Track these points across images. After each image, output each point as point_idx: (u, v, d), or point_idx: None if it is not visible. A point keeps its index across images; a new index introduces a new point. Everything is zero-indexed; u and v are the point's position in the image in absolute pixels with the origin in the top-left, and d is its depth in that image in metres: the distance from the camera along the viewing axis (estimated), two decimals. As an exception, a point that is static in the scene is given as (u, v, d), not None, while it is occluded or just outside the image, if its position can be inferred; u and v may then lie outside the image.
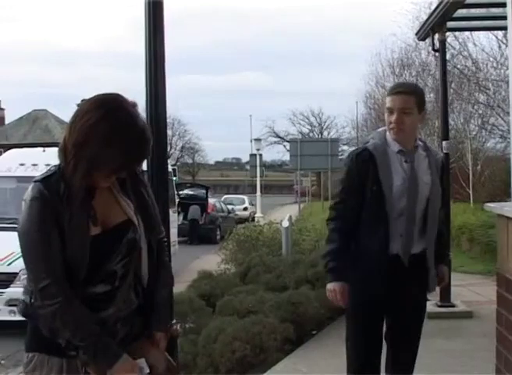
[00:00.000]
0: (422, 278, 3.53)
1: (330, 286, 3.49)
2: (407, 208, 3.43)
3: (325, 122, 64.69)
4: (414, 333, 3.63)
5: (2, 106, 54.56)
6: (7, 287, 8.18)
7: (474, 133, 20.51)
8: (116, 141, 2.07)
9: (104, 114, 2.09)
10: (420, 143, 3.56)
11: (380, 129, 3.68)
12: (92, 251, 2.14)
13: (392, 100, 3.44)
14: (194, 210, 22.51)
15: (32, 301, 2.20)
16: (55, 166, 2.20)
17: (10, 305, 8.06)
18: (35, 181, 2.15)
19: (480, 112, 19.86)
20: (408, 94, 3.42)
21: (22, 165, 10.12)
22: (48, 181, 2.13)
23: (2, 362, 6.95)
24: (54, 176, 2.15)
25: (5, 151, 12.41)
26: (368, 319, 3.53)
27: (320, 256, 7.89)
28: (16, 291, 8.09)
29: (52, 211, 2.09)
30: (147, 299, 2.35)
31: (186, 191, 23.67)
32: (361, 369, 3.57)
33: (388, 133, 3.51)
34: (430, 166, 3.52)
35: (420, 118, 3.51)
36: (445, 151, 7.17)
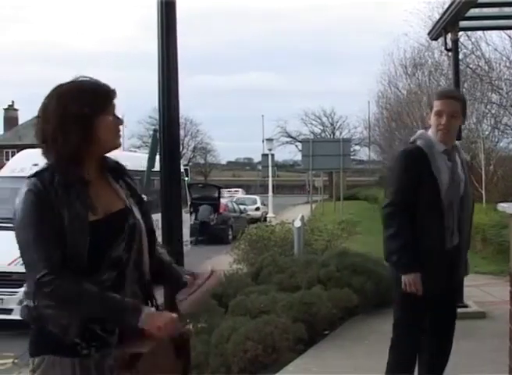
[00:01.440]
0: (458, 267, 3.97)
1: (408, 277, 3.76)
2: (454, 202, 3.82)
3: (337, 122, 64.56)
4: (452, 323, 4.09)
5: (16, 107, 54.88)
6: (20, 286, 8.20)
7: (486, 133, 20.39)
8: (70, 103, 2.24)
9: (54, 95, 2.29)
10: (456, 144, 3.99)
11: (420, 131, 4.03)
12: (93, 238, 2.19)
13: (442, 104, 3.81)
14: (203, 210, 22.43)
15: (36, 303, 2.21)
16: (46, 163, 2.31)
17: (23, 305, 8.12)
18: (28, 177, 2.27)
19: (493, 111, 19.76)
20: (457, 100, 3.86)
21: (35, 165, 10.05)
22: (41, 175, 2.25)
23: (16, 361, 6.99)
24: (47, 170, 2.27)
25: (18, 152, 12.48)
26: (423, 309, 3.89)
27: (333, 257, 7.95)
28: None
29: (46, 202, 2.17)
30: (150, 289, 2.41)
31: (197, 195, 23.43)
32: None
33: (431, 134, 3.88)
34: (462, 165, 3.92)
35: (461, 122, 4.03)
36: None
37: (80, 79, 2.33)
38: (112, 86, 2.36)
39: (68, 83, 2.31)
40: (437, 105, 3.82)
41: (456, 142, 4.06)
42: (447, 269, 3.85)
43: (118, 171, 2.42)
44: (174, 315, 2.25)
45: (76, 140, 2.22)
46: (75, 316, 2.19)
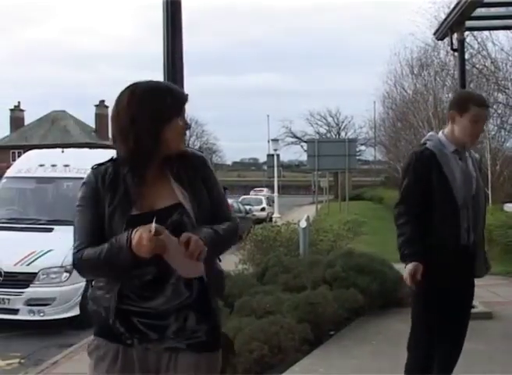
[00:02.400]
0: (473, 266, 3.99)
1: (408, 267, 3.76)
2: (467, 200, 3.85)
3: (343, 122, 64.62)
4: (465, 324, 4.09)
5: (22, 107, 55.03)
6: (26, 287, 8.23)
7: (493, 132, 20.37)
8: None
9: (130, 92, 2.36)
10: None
11: (431, 133, 4.16)
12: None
13: (481, 112, 3.88)
14: None
15: (92, 284, 2.46)
16: (112, 157, 2.45)
17: (29, 305, 8.13)
18: (91, 168, 2.45)
19: (499, 111, 19.74)
20: (487, 109, 4.08)
21: (41, 166, 10.18)
22: (98, 168, 2.43)
23: (22, 361, 7.01)
24: (105, 164, 2.43)
25: (24, 152, 12.51)
26: (436, 306, 3.88)
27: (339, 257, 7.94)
28: (35, 290, 8.18)
29: (94, 193, 2.38)
30: (203, 294, 2.39)
31: None
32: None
33: (441, 135, 3.94)
34: (473, 164, 3.97)
35: None
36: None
37: (156, 80, 2.42)
38: (186, 91, 2.44)
39: (144, 82, 2.37)
40: (476, 111, 3.83)
41: None
42: (463, 267, 3.87)
43: (182, 166, 2.41)
44: (150, 226, 2.19)
45: (145, 140, 2.29)
46: (112, 297, 2.35)
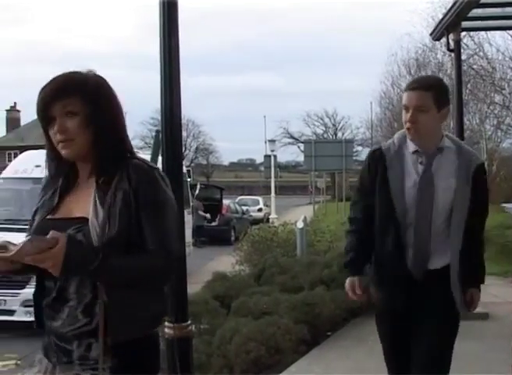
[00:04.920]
0: (446, 298, 3.09)
1: (347, 281, 3.33)
2: (419, 215, 3.08)
3: (340, 123, 64.57)
4: (437, 357, 3.14)
5: (18, 108, 54.95)
6: (23, 287, 8.22)
7: (489, 133, 20.43)
8: None
9: None
10: (448, 145, 3.17)
11: (401, 131, 3.34)
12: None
13: (407, 96, 3.10)
14: (199, 217, 21.37)
15: None
16: None
17: (26, 306, 8.11)
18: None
19: (496, 112, 19.79)
20: (425, 90, 3.06)
21: (37, 166, 10.13)
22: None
23: (18, 362, 6.99)
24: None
25: (20, 153, 12.49)
26: (390, 330, 3.36)
27: (336, 257, 7.87)
28: (31, 291, 8.14)
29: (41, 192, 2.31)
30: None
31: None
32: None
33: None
34: (458, 171, 3.10)
35: (440, 116, 3.13)
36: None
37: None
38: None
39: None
40: (403, 98, 3.15)
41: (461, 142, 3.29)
42: (415, 297, 3.12)
43: (117, 180, 2.11)
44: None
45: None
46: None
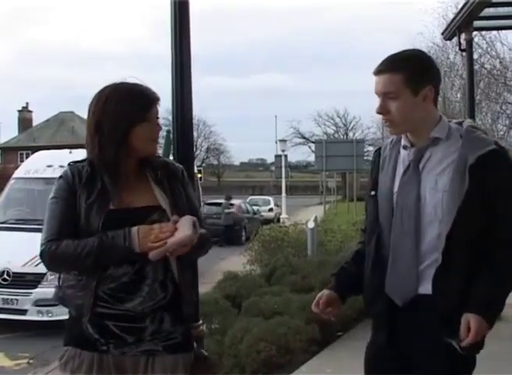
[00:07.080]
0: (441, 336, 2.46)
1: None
2: (397, 225, 2.46)
3: (351, 122, 64.57)
4: None
5: (30, 108, 55.19)
6: (35, 287, 8.26)
7: (501, 133, 20.28)
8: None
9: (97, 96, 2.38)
10: (450, 133, 2.47)
11: None
12: (107, 224, 2.26)
13: (375, 83, 2.49)
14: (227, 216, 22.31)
15: (60, 283, 2.38)
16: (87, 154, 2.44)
17: (38, 306, 8.15)
18: (68, 164, 2.45)
19: (508, 112, 19.65)
20: (391, 72, 2.42)
21: (49, 166, 10.20)
22: (74, 165, 2.43)
23: (31, 361, 7.03)
24: (82, 162, 2.42)
25: (32, 153, 12.54)
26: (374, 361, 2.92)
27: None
28: (43, 291, 8.18)
29: (69, 187, 2.35)
30: (177, 295, 2.37)
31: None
32: None
33: None
34: (456, 165, 2.38)
35: (421, 99, 2.43)
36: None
37: (127, 80, 2.38)
38: (155, 91, 2.38)
39: (112, 85, 2.36)
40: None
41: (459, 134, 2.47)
42: (400, 328, 2.51)
43: (163, 172, 2.43)
44: (164, 224, 2.26)
45: (108, 149, 2.31)
46: (87, 294, 2.28)
